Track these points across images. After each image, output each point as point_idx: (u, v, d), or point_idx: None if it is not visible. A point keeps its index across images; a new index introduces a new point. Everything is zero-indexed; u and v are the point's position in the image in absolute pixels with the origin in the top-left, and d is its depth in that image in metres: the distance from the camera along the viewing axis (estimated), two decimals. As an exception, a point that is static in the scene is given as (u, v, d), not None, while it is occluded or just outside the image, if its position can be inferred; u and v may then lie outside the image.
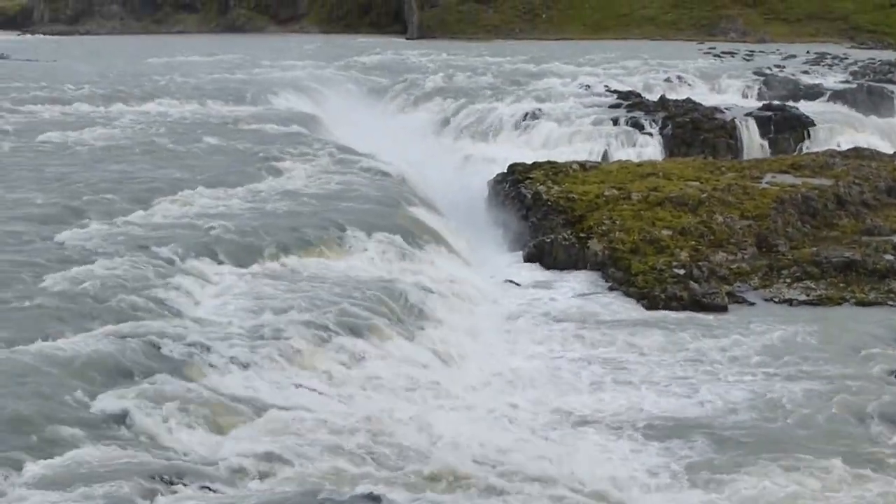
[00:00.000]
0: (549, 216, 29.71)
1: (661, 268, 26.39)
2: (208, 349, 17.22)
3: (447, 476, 14.21)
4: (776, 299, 25.14)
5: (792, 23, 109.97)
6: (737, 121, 42.93)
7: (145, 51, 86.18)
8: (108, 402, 15.00)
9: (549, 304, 24.74)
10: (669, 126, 42.58)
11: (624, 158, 38.58)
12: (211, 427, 14.98)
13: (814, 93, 53.91)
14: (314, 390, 17.05)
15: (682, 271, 26.12)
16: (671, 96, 48.89)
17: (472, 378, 19.41)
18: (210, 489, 13.30)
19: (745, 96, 56.05)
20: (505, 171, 33.63)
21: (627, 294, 25.47)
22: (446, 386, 18.48)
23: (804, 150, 40.90)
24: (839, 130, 43.76)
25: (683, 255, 27.18)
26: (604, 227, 28.52)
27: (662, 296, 24.84)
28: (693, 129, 42.33)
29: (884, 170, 33.45)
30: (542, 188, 31.10)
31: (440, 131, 47.27)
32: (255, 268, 22.14)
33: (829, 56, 77.15)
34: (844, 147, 38.88)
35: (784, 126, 43.14)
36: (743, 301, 25.01)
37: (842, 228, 29.68)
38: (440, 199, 31.31)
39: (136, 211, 25.35)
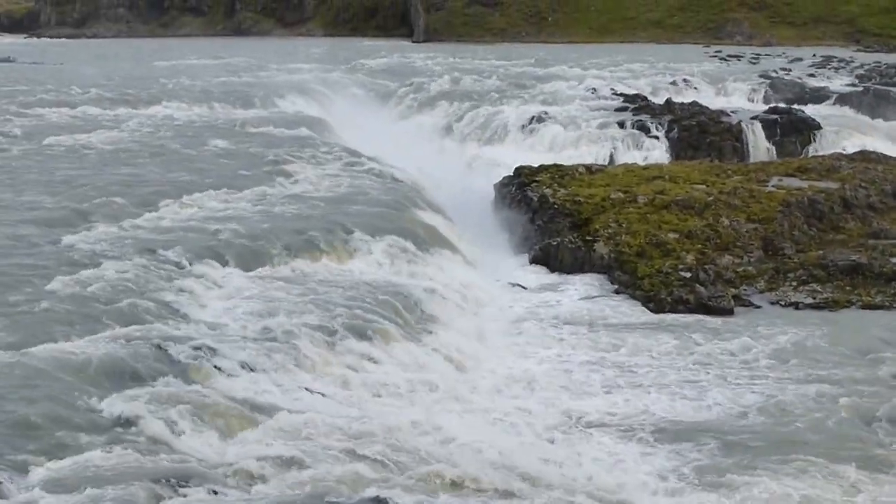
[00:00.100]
0: (556, 219, 29.73)
1: (668, 271, 26.40)
2: (216, 352, 17.25)
3: (456, 479, 14.20)
4: (782, 302, 25.14)
5: (798, 26, 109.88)
6: (743, 124, 42.92)
7: (152, 54, 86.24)
8: (116, 405, 15.04)
9: (556, 307, 24.76)
10: (675, 129, 42.60)
11: (630, 161, 38.58)
12: (219, 430, 15.01)
13: (820, 96, 53.88)
14: (321, 393, 17.09)
15: (688, 274, 26.13)
16: (677, 99, 48.86)
17: (482, 381, 19.43)
18: (217, 492, 13.31)
19: (751, 99, 56.02)
20: (511, 174, 33.67)
21: (634, 297, 25.49)
22: (455, 389, 18.49)
23: (810, 154, 40.89)
24: (845, 134, 43.71)
25: (689, 258, 27.19)
26: (610, 230, 28.54)
27: (669, 299, 24.85)
28: (699, 133, 42.36)
29: (890, 173, 33.41)
30: (548, 191, 31.13)
31: (446, 134, 47.32)
32: (262, 271, 22.20)
33: (835, 59, 77.07)
34: (850, 150, 38.83)
35: (790, 129, 43.12)
36: (749, 304, 25.01)
37: (848, 232, 29.66)
38: (447, 202, 31.33)
39: (144, 214, 25.41)
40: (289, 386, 17.02)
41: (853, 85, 58.26)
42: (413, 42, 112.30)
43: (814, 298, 25.17)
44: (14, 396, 14.85)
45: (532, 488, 14.19)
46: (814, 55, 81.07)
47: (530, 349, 21.71)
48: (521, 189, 32.05)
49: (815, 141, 42.81)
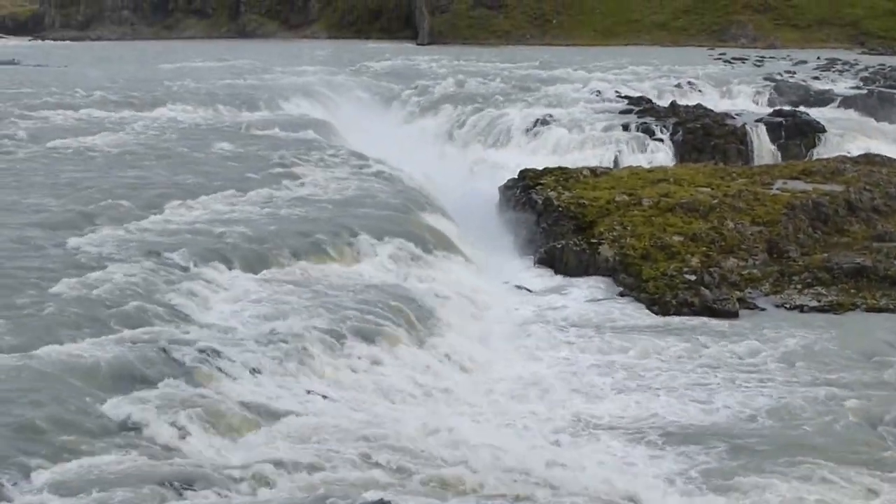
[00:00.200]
0: (560, 222, 29.72)
1: (672, 273, 26.38)
2: (221, 355, 17.21)
3: (462, 483, 14.19)
4: (787, 305, 25.11)
5: (802, 28, 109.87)
6: (747, 126, 42.91)
7: (156, 56, 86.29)
8: (122, 408, 15.02)
9: (562, 309, 24.74)
10: (680, 132, 42.60)
11: (635, 164, 38.56)
12: (224, 433, 14.99)
13: (824, 98, 53.88)
14: (326, 396, 17.07)
15: (692, 277, 26.11)
16: (682, 102, 48.91)
17: (488, 384, 19.38)
18: (224, 496, 13.31)
19: (755, 102, 56.02)
20: (516, 176, 33.66)
21: (638, 300, 25.46)
22: (461, 392, 18.48)
23: (815, 156, 40.88)
24: (850, 136, 43.70)
25: (694, 260, 27.17)
26: (615, 233, 28.52)
27: (673, 301, 24.83)
28: (704, 135, 42.35)
29: (894, 176, 33.37)
30: (552, 194, 31.12)
31: (451, 137, 47.33)
32: (268, 273, 22.16)
33: (839, 62, 76.98)
34: (855, 153, 38.81)
35: (795, 132, 43.14)
36: (754, 307, 24.99)
37: (853, 234, 29.63)
38: (451, 204, 31.30)
39: (149, 216, 25.38)
40: (294, 388, 17.00)
41: (857, 87, 58.25)
42: (417, 44, 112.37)
43: (818, 301, 25.14)
44: (20, 399, 14.82)
45: (541, 491, 14.17)
46: (818, 58, 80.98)
47: (539, 352, 21.65)
48: (525, 192, 32.04)
49: (819, 143, 42.81)
